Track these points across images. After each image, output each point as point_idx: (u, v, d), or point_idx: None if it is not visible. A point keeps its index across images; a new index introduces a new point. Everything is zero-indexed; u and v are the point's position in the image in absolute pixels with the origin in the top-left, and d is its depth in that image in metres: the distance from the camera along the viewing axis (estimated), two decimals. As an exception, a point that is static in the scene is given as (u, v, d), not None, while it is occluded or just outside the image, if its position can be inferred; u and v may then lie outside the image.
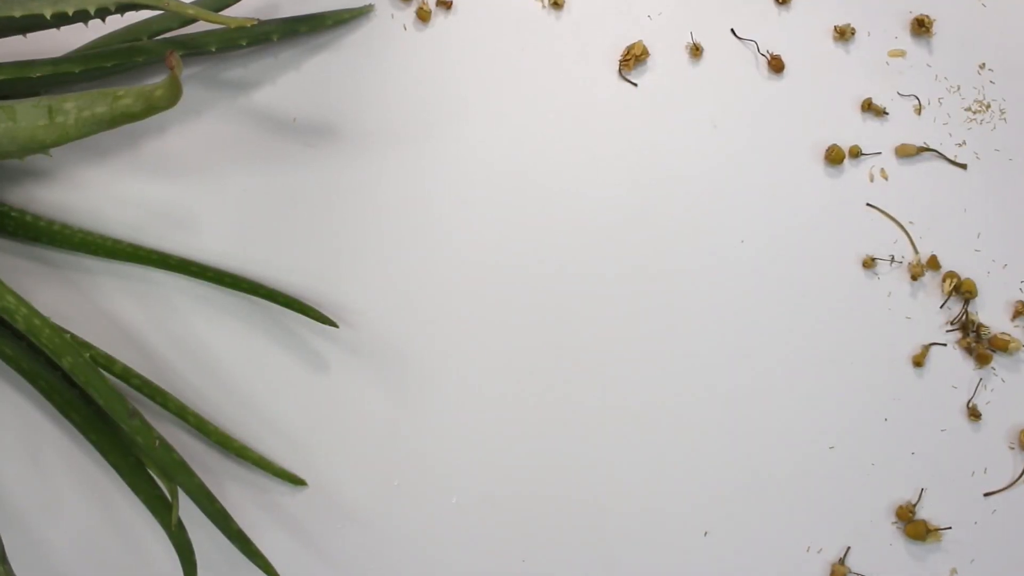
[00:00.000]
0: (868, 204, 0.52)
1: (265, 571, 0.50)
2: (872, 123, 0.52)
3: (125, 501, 0.51)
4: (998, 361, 0.52)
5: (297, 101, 0.52)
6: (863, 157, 0.52)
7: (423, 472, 0.51)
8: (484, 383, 0.50)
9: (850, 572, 0.51)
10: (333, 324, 0.51)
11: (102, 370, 0.49)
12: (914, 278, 0.51)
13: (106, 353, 0.50)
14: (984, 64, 0.52)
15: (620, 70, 0.52)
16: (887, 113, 0.52)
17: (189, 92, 0.51)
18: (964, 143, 0.52)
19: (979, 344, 0.51)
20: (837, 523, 0.51)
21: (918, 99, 0.52)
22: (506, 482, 0.51)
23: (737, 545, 0.51)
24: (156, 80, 0.50)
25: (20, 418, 0.52)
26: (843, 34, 0.52)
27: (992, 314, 0.52)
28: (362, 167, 0.50)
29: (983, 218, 0.52)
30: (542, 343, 0.50)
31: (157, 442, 0.46)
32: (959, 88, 0.52)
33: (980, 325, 0.51)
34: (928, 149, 0.52)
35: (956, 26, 0.52)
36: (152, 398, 0.50)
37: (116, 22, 0.48)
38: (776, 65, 0.52)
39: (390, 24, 0.52)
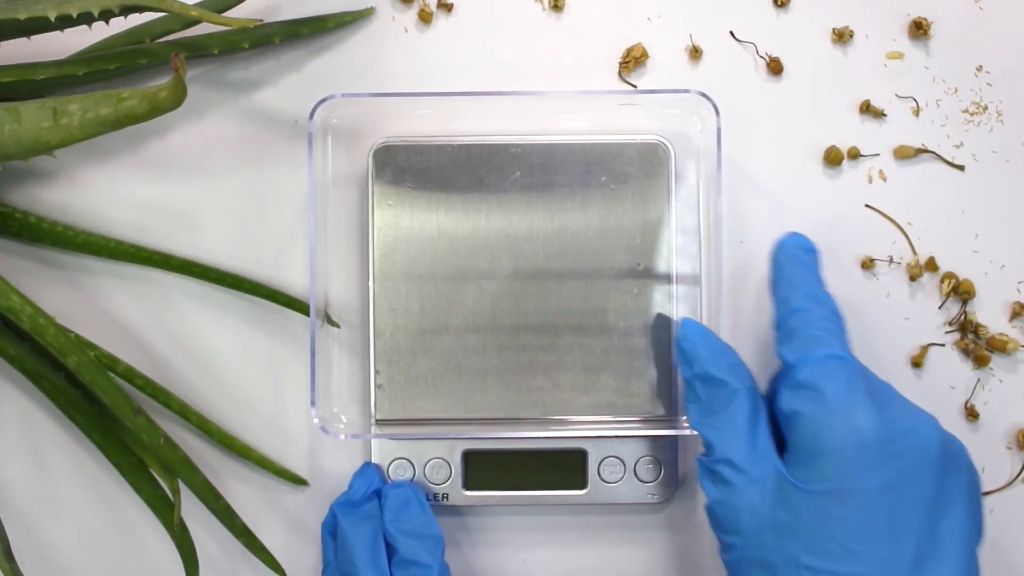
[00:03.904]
0: (867, 205, 0.52)
1: (270, 567, 0.50)
2: (870, 125, 0.52)
3: (128, 501, 0.51)
4: (996, 362, 0.52)
5: (299, 103, 0.52)
6: (861, 158, 0.52)
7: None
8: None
9: (849, 571, 0.51)
10: (335, 324, 0.51)
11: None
12: (912, 279, 0.52)
13: (109, 353, 0.50)
14: (981, 66, 0.52)
15: (620, 72, 0.52)
16: (885, 115, 0.52)
17: (191, 93, 0.51)
18: (962, 145, 0.52)
19: (977, 345, 0.52)
20: (836, 522, 0.52)
21: (916, 101, 0.52)
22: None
23: (736, 544, 0.52)
24: (159, 82, 0.51)
25: (23, 418, 0.52)
26: (841, 36, 0.52)
27: (990, 315, 0.52)
28: (363, 168, 0.50)
29: (981, 219, 0.52)
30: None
31: (162, 440, 0.47)
32: (957, 90, 0.52)
33: (978, 326, 0.51)
34: (926, 151, 0.52)
35: (953, 29, 0.52)
36: (155, 398, 0.50)
37: (119, 24, 0.48)
38: (775, 67, 0.52)
39: (391, 26, 0.52)
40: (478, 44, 0.52)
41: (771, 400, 0.45)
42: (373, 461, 0.50)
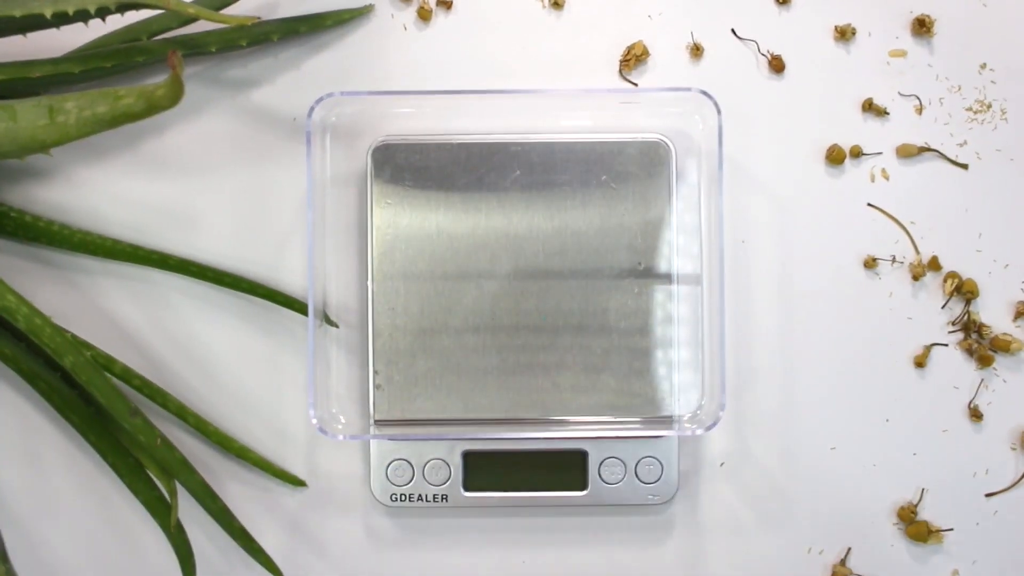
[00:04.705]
0: (869, 204, 0.52)
1: (268, 569, 0.50)
2: (873, 123, 0.52)
3: (124, 502, 0.51)
4: (1000, 362, 0.51)
5: (297, 101, 0.52)
6: (864, 157, 0.52)
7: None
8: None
9: (851, 573, 0.51)
10: (333, 324, 0.51)
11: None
12: (915, 278, 0.51)
13: (106, 353, 0.50)
14: (985, 64, 0.52)
15: (620, 70, 0.52)
16: (888, 113, 0.52)
17: (189, 92, 0.51)
18: (965, 143, 0.52)
19: (981, 345, 0.51)
20: (838, 524, 0.51)
21: (919, 99, 0.52)
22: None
23: (738, 547, 0.51)
24: (156, 80, 0.50)
25: (20, 419, 0.52)
26: (844, 34, 0.52)
27: (993, 314, 0.52)
28: (362, 167, 0.50)
29: (984, 218, 0.52)
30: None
31: (159, 440, 0.46)
32: (960, 88, 0.52)
33: (982, 325, 0.51)
34: (929, 149, 0.52)
35: (957, 26, 0.52)
36: (152, 398, 0.50)
37: (116, 22, 0.48)
38: (777, 65, 0.52)
39: (390, 24, 0.52)
40: (478, 42, 0.52)
41: None
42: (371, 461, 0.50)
